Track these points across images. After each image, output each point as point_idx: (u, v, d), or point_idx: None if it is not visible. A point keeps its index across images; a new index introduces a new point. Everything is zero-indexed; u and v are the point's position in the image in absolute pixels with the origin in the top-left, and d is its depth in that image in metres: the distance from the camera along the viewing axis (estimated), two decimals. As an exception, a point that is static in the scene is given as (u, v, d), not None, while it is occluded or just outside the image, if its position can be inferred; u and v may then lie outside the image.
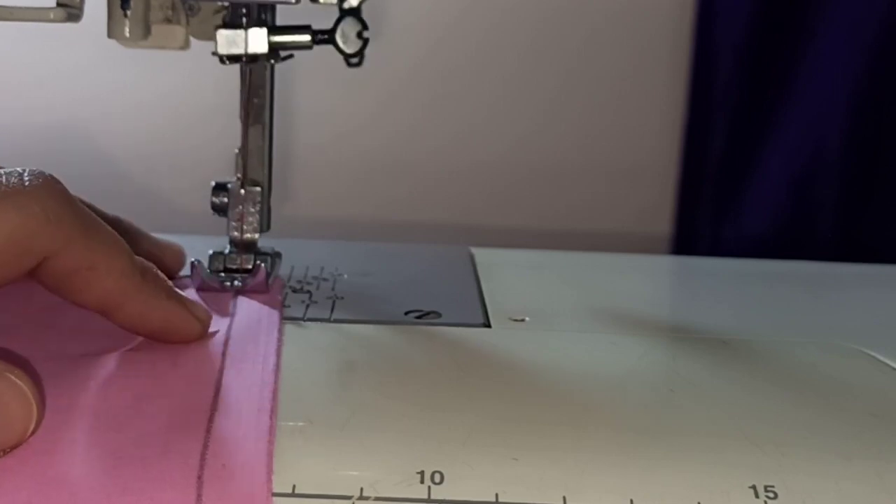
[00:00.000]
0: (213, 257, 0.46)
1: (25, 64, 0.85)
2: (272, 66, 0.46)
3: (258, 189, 0.46)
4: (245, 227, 0.46)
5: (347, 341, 0.40)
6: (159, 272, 0.36)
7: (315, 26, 0.44)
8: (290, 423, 0.32)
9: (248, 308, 0.41)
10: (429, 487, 0.29)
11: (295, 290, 0.46)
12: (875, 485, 0.31)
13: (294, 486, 0.29)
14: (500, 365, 0.38)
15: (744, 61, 0.84)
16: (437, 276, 0.51)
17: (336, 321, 0.43)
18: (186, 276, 0.45)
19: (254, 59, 0.44)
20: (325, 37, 0.44)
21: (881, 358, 0.41)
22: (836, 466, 0.31)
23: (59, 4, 0.40)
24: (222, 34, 0.43)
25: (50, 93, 0.86)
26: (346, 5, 0.44)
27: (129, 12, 0.41)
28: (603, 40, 0.87)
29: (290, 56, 0.46)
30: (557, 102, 0.88)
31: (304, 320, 0.42)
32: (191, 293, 0.42)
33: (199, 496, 0.28)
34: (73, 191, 0.33)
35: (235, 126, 0.46)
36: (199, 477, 0.28)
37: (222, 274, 0.45)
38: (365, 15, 0.44)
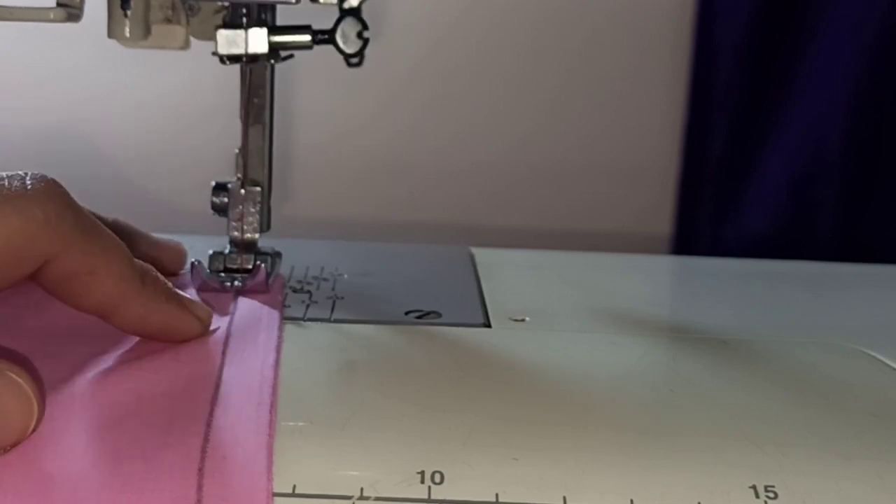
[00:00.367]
0: (213, 257, 0.46)
1: (25, 64, 0.85)
2: (272, 66, 0.46)
3: (258, 189, 0.46)
4: (245, 227, 0.46)
5: (347, 341, 0.40)
6: (159, 275, 0.36)
7: (315, 26, 0.44)
8: (290, 423, 0.32)
9: (248, 306, 0.41)
10: (429, 487, 0.29)
11: (295, 290, 0.46)
12: (875, 485, 0.31)
13: (294, 486, 0.29)
14: (500, 365, 0.38)
15: (744, 61, 0.84)
16: (438, 276, 0.51)
17: (336, 321, 0.43)
18: (187, 274, 0.45)
19: (254, 59, 0.44)
20: (325, 37, 0.44)
21: (881, 358, 0.41)
22: (836, 466, 0.31)
23: (59, 4, 0.40)
24: (222, 34, 0.43)
25: (50, 93, 0.86)
26: (346, 5, 0.44)
27: (129, 12, 0.41)
28: (603, 40, 0.87)
29: (291, 56, 0.46)
30: (557, 102, 0.88)
31: (304, 320, 0.42)
32: (191, 294, 0.42)
33: (199, 487, 0.28)
34: (72, 191, 0.33)
35: (235, 126, 0.46)
36: (200, 469, 0.28)
37: (222, 274, 0.45)
38: (365, 15, 0.44)
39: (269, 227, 0.47)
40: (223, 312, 0.40)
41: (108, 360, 0.35)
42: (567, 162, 0.89)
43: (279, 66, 0.46)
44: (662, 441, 0.32)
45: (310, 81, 0.82)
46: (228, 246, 0.46)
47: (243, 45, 0.43)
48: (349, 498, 0.29)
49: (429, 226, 0.89)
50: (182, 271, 0.46)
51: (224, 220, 0.46)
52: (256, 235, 0.46)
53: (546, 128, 0.88)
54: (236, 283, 0.44)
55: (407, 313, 0.44)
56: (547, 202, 0.90)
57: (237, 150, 0.46)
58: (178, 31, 0.44)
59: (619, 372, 0.38)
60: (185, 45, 0.45)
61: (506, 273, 0.52)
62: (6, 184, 0.31)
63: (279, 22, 0.45)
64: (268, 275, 0.44)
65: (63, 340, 0.36)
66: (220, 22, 0.44)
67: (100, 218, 0.35)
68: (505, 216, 0.89)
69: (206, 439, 0.30)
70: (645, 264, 0.61)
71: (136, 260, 0.35)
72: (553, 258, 0.57)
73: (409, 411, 0.33)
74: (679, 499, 0.30)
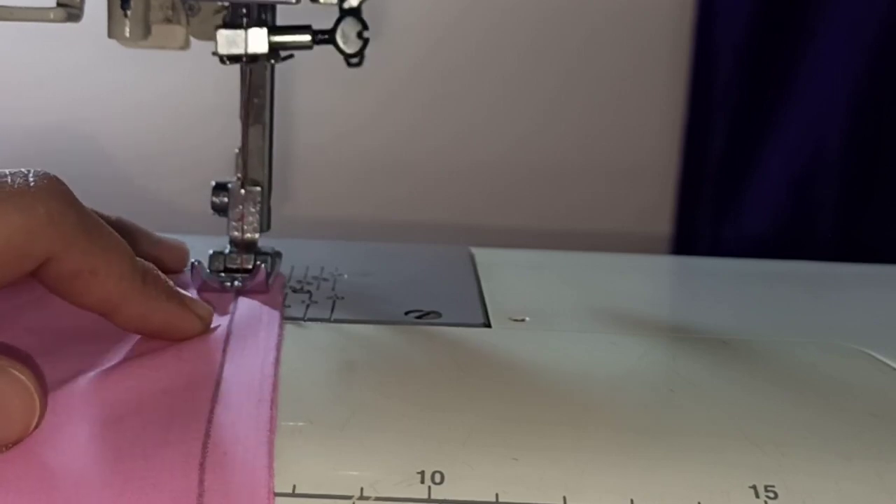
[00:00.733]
0: (213, 257, 0.46)
1: (25, 64, 0.85)
2: (272, 66, 0.46)
3: (258, 189, 0.46)
4: (245, 227, 0.46)
5: (347, 341, 0.40)
6: (160, 273, 0.36)
7: (315, 26, 0.44)
8: (290, 423, 0.32)
9: (248, 305, 0.41)
10: (429, 487, 0.29)
11: (295, 290, 0.46)
12: (875, 485, 0.31)
13: (294, 486, 0.29)
14: (500, 365, 0.38)
15: (744, 61, 0.84)
16: (437, 276, 0.51)
17: (336, 321, 0.43)
18: (187, 274, 0.45)
19: (254, 59, 0.44)
20: (325, 37, 0.44)
21: (881, 358, 0.41)
22: (836, 466, 0.31)
23: (59, 4, 0.40)
24: (222, 34, 0.43)
25: (50, 93, 0.86)
26: (346, 5, 0.44)
27: (129, 12, 0.41)
28: (603, 40, 0.87)
29: (291, 56, 0.46)
30: (557, 102, 0.88)
31: (304, 320, 0.42)
32: (192, 293, 0.42)
33: (201, 482, 0.28)
34: (72, 191, 0.33)
35: (235, 126, 0.46)
36: (201, 464, 0.28)
37: (222, 274, 0.45)
38: (365, 15, 0.44)
39: (269, 226, 0.47)
40: (223, 312, 0.40)
41: (110, 358, 0.35)
42: (567, 162, 0.89)
43: (279, 66, 0.46)
44: (662, 441, 0.32)
45: (310, 81, 0.83)
46: (228, 246, 0.46)
47: (243, 45, 0.43)
48: (349, 498, 0.29)
49: (429, 226, 0.89)
50: (184, 270, 0.46)
51: (224, 219, 0.46)
52: (256, 235, 0.46)
53: (546, 128, 0.88)
54: (236, 283, 0.44)
55: (407, 313, 0.44)
56: (547, 202, 0.90)
57: (237, 150, 0.46)
58: (178, 31, 0.44)
59: (618, 372, 0.38)
60: (185, 45, 0.45)
61: (506, 273, 0.52)
62: (9, 181, 0.31)
63: (279, 22, 0.45)
64: (268, 275, 0.44)
65: (65, 338, 0.36)
66: (219, 22, 0.44)
67: (102, 216, 0.35)
68: (505, 216, 0.89)
69: (207, 436, 0.30)
70: (645, 264, 0.61)
71: (137, 259, 0.35)
72: (553, 258, 0.57)
73: (409, 411, 0.33)
74: (679, 499, 0.30)
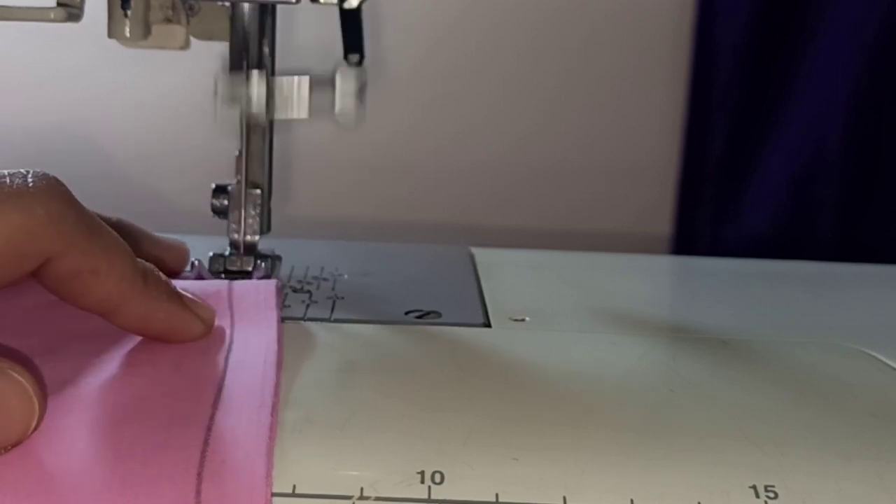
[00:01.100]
0: (213, 259, 0.46)
1: (25, 64, 0.85)
2: (271, 67, 0.46)
3: (258, 191, 0.46)
4: (245, 229, 0.46)
5: (347, 341, 0.40)
6: (161, 274, 0.36)
7: (313, 72, 0.45)
8: (290, 423, 0.32)
9: (246, 297, 0.41)
10: (429, 487, 0.29)
11: (295, 290, 0.46)
12: (875, 485, 0.31)
13: (294, 486, 0.29)
14: (500, 365, 0.38)
15: (744, 61, 0.84)
16: (437, 276, 0.51)
17: (336, 321, 0.43)
18: (188, 273, 0.45)
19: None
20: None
21: (881, 358, 0.41)
22: (836, 466, 0.31)
23: (59, 4, 0.40)
24: (222, 79, 0.44)
25: (50, 93, 0.86)
26: (346, 5, 0.44)
27: (129, 12, 0.41)
28: (603, 40, 0.87)
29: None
30: (557, 102, 0.88)
31: (304, 320, 0.42)
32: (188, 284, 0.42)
33: (198, 492, 0.28)
34: (72, 191, 0.33)
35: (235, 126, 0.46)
36: (199, 473, 0.28)
37: (222, 276, 0.45)
38: (365, 15, 0.44)
39: (269, 229, 0.47)
40: (220, 306, 0.40)
41: (111, 361, 0.35)
42: (567, 162, 0.89)
43: (279, 67, 0.46)
44: (662, 441, 0.32)
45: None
46: (228, 248, 0.46)
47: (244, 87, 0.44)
48: (349, 498, 0.29)
49: (429, 226, 0.89)
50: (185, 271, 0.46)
51: (224, 220, 0.46)
52: (256, 238, 0.46)
53: (546, 128, 0.88)
54: (236, 284, 0.44)
55: (407, 313, 0.44)
56: (547, 202, 0.90)
57: (238, 152, 0.46)
58: (178, 31, 0.44)
59: (619, 372, 0.38)
60: (185, 45, 0.45)
61: (506, 273, 0.52)
62: (8, 181, 0.31)
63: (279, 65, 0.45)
64: (267, 277, 0.44)
65: (66, 340, 0.36)
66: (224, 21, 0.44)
67: (103, 217, 0.35)
68: (505, 216, 0.89)
69: (206, 442, 0.30)
70: (645, 264, 0.61)
71: (138, 259, 0.35)
72: (553, 258, 0.57)
73: (409, 411, 0.33)
74: (679, 499, 0.30)
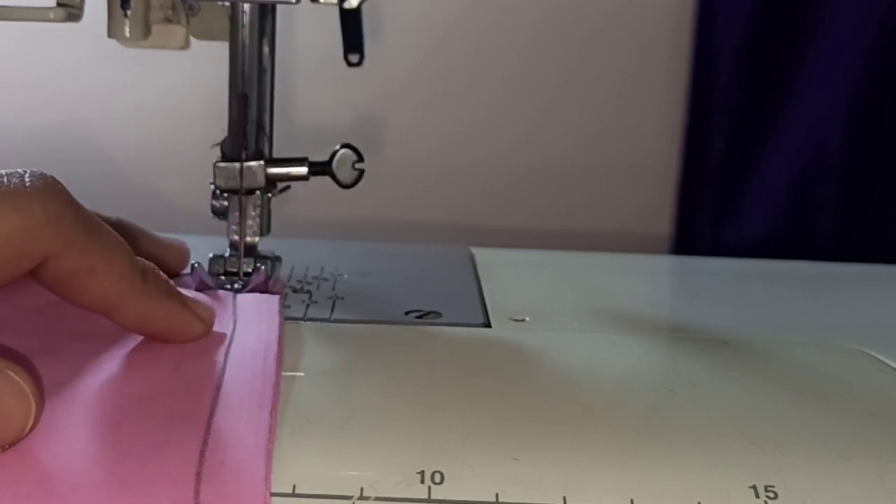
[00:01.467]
0: (212, 261, 0.46)
1: (25, 64, 0.85)
2: (272, 68, 0.46)
3: (258, 193, 0.46)
4: (245, 231, 0.46)
5: (347, 341, 0.40)
6: (160, 273, 0.36)
7: (312, 158, 0.46)
8: (290, 423, 0.32)
9: (249, 307, 0.41)
10: (429, 487, 0.29)
11: (295, 290, 0.46)
12: (875, 485, 0.31)
13: (294, 486, 0.29)
14: (500, 365, 0.38)
15: (744, 63, 0.84)
16: (437, 276, 0.51)
17: (336, 321, 0.43)
18: (187, 275, 0.45)
19: (251, 191, 0.44)
20: (321, 168, 0.45)
21: (881, 358, 0.41)
22: (836, 466, 0.31)
23: (59, 4, 0.40)
24: (220, 167, 0.44)
25: (50, 93, 0.86)
26: (346, 5, 0.44)
27: (129, 12, 0.41)
28: (603, 40, 0.87)
29: (287, 188, 0.46)
30: (557, 102, 0.88)
31: (304, 320, 0.42)
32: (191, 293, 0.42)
33: (196, 492, 0.28)
34: (72, 191, 0.33)
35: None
36: (198, 473, 0.28)
37: (222, 277, 0.45)
38: (365, 15, 0.44)
39: (269, 230, 0.47)
40: (222, 312, 0.40)
41: (110, 361, 0.34)
42: (567, 162, 0.89)
43: (279, 67, 0.46)
44: (662, 441, 0.32)
45: (310, 81, 0.82)
46: (228, 249, 0.46)
47: (239, 178, 0.44)
48: (349, 498, 0.29)
49: (429, 226, 0.89)
50: (184, 271, 0.46)
51: (224, 221, 0.46)
52: (256, 239, 0.46)
53: (546, 128, 0.88)
54: (236, 286, 0.44)
55: (407, 313, 0.44)
56: (547, 202, 0.90)
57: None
58: (178, 31, 0.44)
59: (619, 372, 0.38)
60: (185, 45, 0.45)
61: (506, 273, 0.52)
62: (5, 181, 0.31)
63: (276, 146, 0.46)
64: (268, 278, 0.44)
65: (65, 340, 0.36)
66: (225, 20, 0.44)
67: (103, 217, 0.35)
68: (505, 216, 0.89)
69: (205, 442, 0.30)
70: (645, 264, 0.61)
71: (137, 258, 0.35)
72: (553, 258, 0.57)
73: (409, 411, 0.33)
74: (679, 499, 0.30)
